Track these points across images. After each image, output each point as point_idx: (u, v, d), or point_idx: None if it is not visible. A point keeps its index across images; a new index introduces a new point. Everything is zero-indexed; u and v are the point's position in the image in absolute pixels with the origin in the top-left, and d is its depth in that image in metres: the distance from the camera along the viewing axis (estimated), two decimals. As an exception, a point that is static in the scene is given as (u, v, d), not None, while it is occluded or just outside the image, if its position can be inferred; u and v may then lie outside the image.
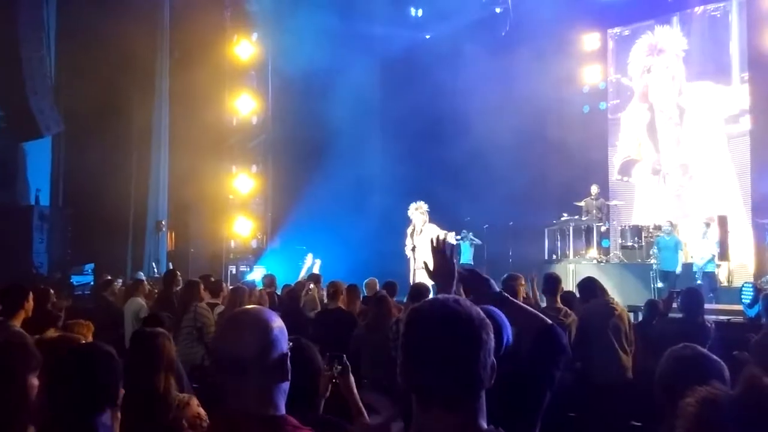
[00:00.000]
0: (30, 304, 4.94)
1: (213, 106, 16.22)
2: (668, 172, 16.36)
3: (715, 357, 2.36)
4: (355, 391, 2.88)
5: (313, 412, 2.56)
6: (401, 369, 1.55)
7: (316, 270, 12.47)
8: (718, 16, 15.88)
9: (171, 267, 12.90)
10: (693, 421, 1.23)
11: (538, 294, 7.13)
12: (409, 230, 14.03)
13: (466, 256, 16.03)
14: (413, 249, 13.86)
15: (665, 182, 16.37)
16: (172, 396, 2.86)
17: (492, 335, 1.56)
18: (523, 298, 6.56)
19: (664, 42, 16.52)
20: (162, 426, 2.55)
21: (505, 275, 5.99)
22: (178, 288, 7.94)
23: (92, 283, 12.76)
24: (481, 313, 1.57)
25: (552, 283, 6.14)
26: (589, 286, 6.24)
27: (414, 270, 13.79)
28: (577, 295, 6.54)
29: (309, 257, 12.92)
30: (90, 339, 4.03)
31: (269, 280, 9.77)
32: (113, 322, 7.78)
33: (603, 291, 6.21)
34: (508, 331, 2.40)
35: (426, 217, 13.89)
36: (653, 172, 16.58)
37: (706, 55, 16.02)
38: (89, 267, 13.84)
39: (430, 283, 11.23)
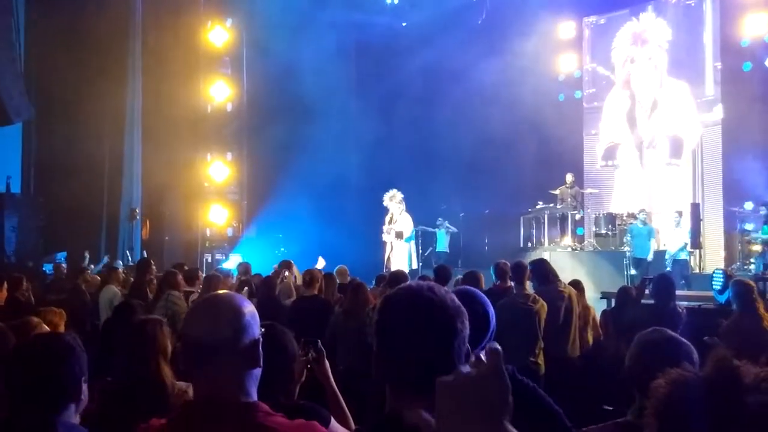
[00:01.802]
0: (3, 293, 4.88)
1: (187, 93, 16.04)
2: (646, 162, 16.52)
3: (683, 340, 2.39)
4: (331, 376, 2.88)
5: (288, 397, 2.55)
6: (375, 356, 1.53)
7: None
8: (693, 5, 16.03)
9: (145, 255, 12.79)
10: (663, 402, 1.24)
11: None
12: (387, 218, 14.09)
13: (442, 244, 16.12)
14: (389, 233, 13.93)
15: (643, 166, 16.52)
16: (170, 383, 2.82)
17: (467, 323, 1.53)
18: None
19: (649, 32, 16.60)
20: (159, 414, 2.49)
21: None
22: (151, 277, 7.87)
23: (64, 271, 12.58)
24: (456, 300, 1.54)
25: (520, 270, 6.20)
26: (542, 269, 6.31)
27: (388, 257, 13.85)
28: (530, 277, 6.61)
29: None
30: (62, 327, 3.98)
31: (244, 268, 9.73)
32: (85, 311, 7.70)
33: (555, 275, 6.32)
34: (492, 314, 2.41)
35: (402, 206, 13.95)
36: (636, 147, 16.68)
37: (680, 44, 16.18)
38: (62, 255, 13.64)
39: (406, 269, 11.31)
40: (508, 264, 6.72)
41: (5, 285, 4.95)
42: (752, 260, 12.56)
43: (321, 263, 12.50)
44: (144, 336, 2.90)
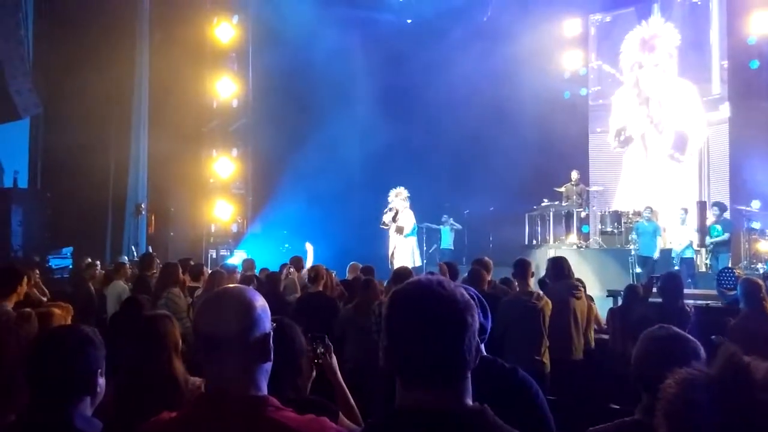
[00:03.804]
0: (23, 288, 4.86)
1: (193, 89, 16.03)
2: (651, 156, 16.52)
3: (690, 337, 2.37)
4: (338, 371, 2.89)
5: (296, 392, 2.56)
6: (384, 351, 1.54)
7: (309, 257, 12.31)
8: (699, 3, 15.98)
9: (150, 250, 12.82)
10: (672, 402, 1.23)
11: None
12: (390, 216, 14.02)
13: (447, 241, 16.12)
14: (388, 226, 13.93)
15: (648, 161, 16.50)
16: (182, 378, 2.82)
17: (476, 317, 1.54)
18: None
19: (657, 38, 16.53)
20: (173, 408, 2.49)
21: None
22: (154, 271, 7.87)
23: (71, 266, 12.62)
24: (465, 294, 1.55)
25: (522, 267, 6.19)
26: (559, 265, 6.32)
27: (392, 253, 13.83)
28: (546, 272, 6.62)
29: (309, 247, 12.81)
30: (69, 322, 4.00)
31: (248, 264, 9.74)
32: (92, 306, 7.73)
33: (571, 273, 6.32)
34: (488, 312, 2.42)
35: (407, 203, 13.93)
36: (642, 142, 16.69)
37: (686, 43, 16.12)
38: (68, 250, 13.68)
39: (411, 266, 11.31)
40: (489, 261, 6.78)
41: (25, 280, 4.92)
42: (707, 261, 12.64)
43: (309, 250, 12.57)
44: (154, 331, 2.90)
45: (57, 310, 3.46)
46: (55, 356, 2.05)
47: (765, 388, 1.15)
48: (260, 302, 1.76)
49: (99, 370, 2.09)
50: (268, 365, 1.75)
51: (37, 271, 7.71)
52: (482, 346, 2.41)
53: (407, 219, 14.00)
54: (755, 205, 13.37)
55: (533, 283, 6.50)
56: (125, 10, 14.99)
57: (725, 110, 15.08)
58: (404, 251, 13.89)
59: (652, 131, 16.56)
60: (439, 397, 1.49)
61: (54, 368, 2.03)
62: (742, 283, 5.73)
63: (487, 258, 6.85)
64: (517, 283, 6.41)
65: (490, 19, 17.76)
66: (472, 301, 1.55)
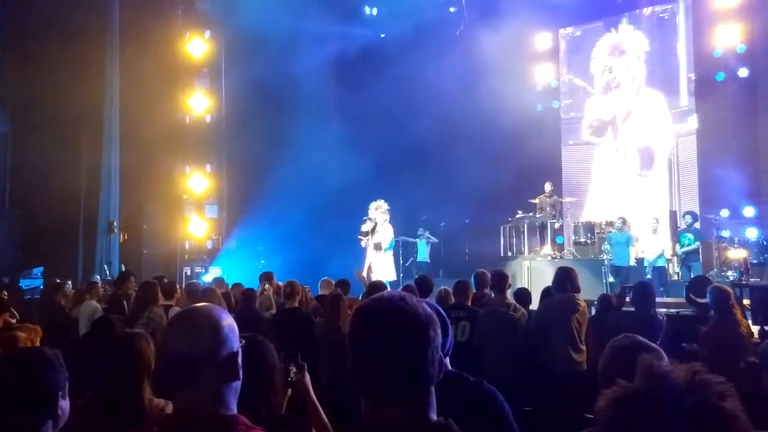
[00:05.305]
0: (4, 317, 4.75)
1: (165, 105, 15.94)
2: (619, 170, 16.74)
3: (653, 345, 2.42)
4: (311, 389, 2.88)
5: (269, 409, 2.54)
6: (350, 366, 1.56)
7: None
8: (666, 17, 16.29)
9: (124, 269, 12.66)
10: (609, 425, 1.24)
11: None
12: (369, 227, 13.96)
13: (423, 254, 16.14)
14: (366, 240, 13.90)
15: (617, 174, 16.72)
16: (147, 400, 2.77)
17: (439, 332, 1.56)
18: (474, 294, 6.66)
19: (626, 43, 16.85)
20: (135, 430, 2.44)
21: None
22: (130, 292, 7.78)
23: (41, 287, 12.42)
24: (428, 309, 1.57)
25: (499, 279, 6.19)
26: (560, 277, 6.09)
27: (369, 266, 13.79)
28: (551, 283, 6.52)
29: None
30: (38, 344, 3.94)
31: (219, 282, 9.68)
32: (63, 327, 7.60)
33: (574, 286, 6.04)
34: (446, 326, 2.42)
35: (387, 216, 13.92)
36: (611, 153, 16.92)
37: (654, 55, 16.43)
38: (38, 270, 13.47)
39: (385, 280, 11.29)
40: (488, 273, 6.74)
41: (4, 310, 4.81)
42: (678, 270, 12.85)
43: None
44: (129, 350, 2.86)
45: (22, 334, 3.38)
46: (12, 380, 2.00)
47: (689, 392, 1.17)
48: (227, 321, 1.75)
49: (60, 393, 2.05)
50: (237, 384, 1.74)
51: (5, 293, 7.58)
52: (446, 360, 2.43)
53: (385, 233, 13.97)
54: (724, 214, 13.62)
55: (510, 295, 6.52)
56: (95, 26, 14.88)
57: (693, 122, 15.35)
58: (380, 266, 13.86)
59: (620, 146, 16.80)
60: (403, 412, 1.50)
61: (12, 392, 1.99)
62: (712, 291, 5.81)
63: (483, 271, 6.85)
64: (493, 295, 6.40)
65: (463, 33, 17.92)
66: (434, 316, 1.57)
